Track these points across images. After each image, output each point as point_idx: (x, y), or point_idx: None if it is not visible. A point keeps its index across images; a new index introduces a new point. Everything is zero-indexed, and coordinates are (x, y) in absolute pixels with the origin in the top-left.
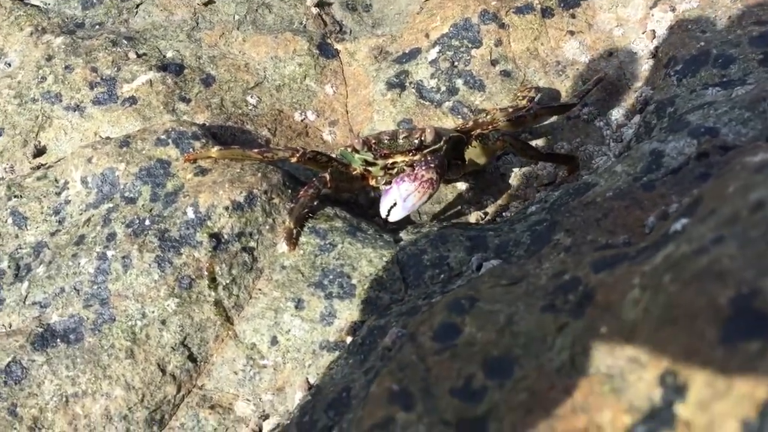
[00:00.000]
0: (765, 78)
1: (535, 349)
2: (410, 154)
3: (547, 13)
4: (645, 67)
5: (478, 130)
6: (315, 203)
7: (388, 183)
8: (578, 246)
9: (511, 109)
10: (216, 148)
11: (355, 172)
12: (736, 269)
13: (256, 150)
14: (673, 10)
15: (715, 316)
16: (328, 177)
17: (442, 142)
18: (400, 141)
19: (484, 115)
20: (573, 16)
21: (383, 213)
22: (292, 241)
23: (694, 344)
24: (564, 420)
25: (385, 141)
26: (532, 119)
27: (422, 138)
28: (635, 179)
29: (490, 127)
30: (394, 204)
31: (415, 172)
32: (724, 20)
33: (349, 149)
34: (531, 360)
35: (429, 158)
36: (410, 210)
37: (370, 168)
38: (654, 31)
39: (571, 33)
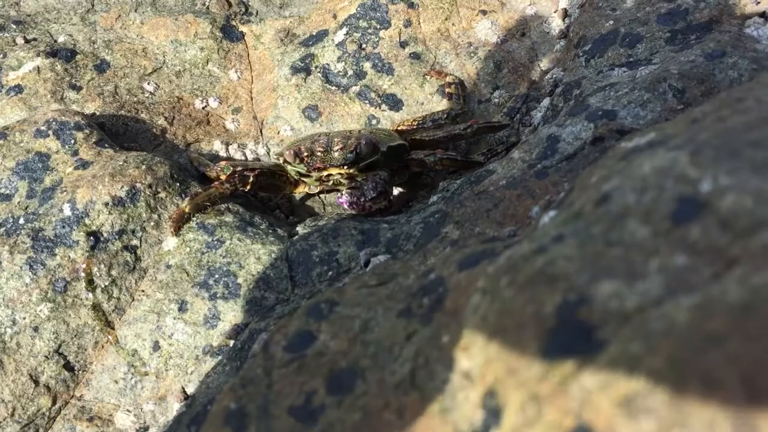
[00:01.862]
0: (670, 57)
1: (381, 360)
2: (346, 167)
3: None
4: (557, 47)
5: (415, 155)
6: (222, 200)
7: (325, 192)
8: (465, 239)
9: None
10: (186, 201)
11: (287, 176)
12: (569, 272)
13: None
14: None
15: (538, 327)
16: (251, 178)
17: (379, 155)
18: (335, 154)
19: (422, 121)
20: None
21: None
22: (180, 224)
23: (516, 360)
24: None
25: (318, 154)
26: (471, 137)
27: (358, 150)
28: (530, 166)
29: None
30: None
31: (362, 203)
32: None
33: (280, 159)
34: (375, 373)
35: (372, 183)
36: None
37: (304, 178)
38: (566, 9)
39: (484, 12)
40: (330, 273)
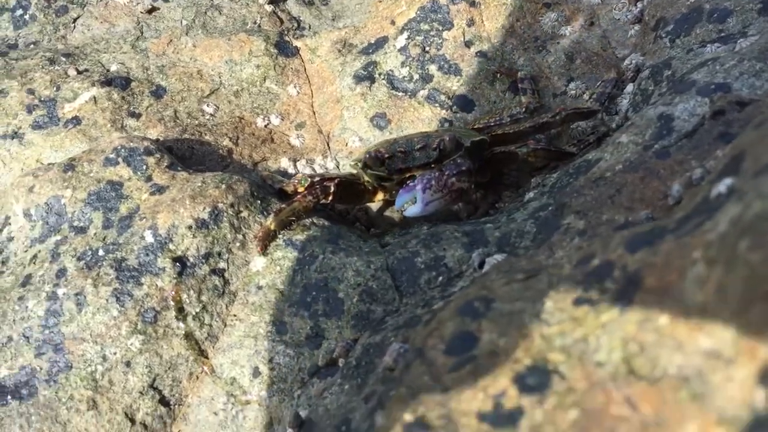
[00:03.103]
0: None
1: (576, 352)
2: (429, 166)
3: None
4: (631, 33)
5: (503, 148)
6: (306, 214)
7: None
8: (593, 228)
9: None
10: (270, 218)
11: (365, 185)
12: None
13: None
14: None
15: None
16: (332, 188)
17: (462, 150)
18: (417, 153)
19: (501, 115)
20: None
21: (397, 205)
22: (266, 243)
23: None
24: None
25: (400, 154)
26: (559, 125)
27: (441, 147)
28: (645, 148)
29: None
30: (413, 201)
31: (445, 179)
32: None
33: (360, 164)
34: (575, 367)
35: (459, 161)
36: (429, 213)
37: (384, 183)
38: None
39: (548, 5)
40: (440, 278)
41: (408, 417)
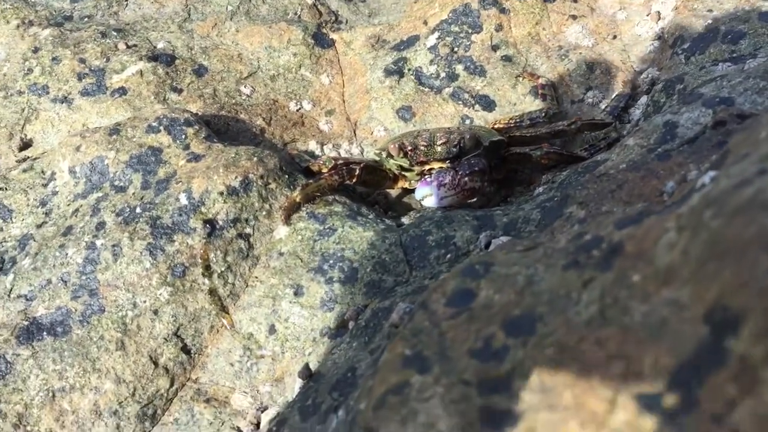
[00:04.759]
0: None
1: (560, 306)
2: (448, 161)
3: None
4: (650, 48)
5: (519, 149)
6: (330, 192)
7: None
8: (593, 217)
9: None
10: (297, 191)
11: (387, 172)
12: None
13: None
14: None
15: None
16: (357, 170)
17: (482, 149)
18: (438, 148)
19: (519, 120)
20: (575, 0)
21: (418, 196)
22: (290, 213)
23: (745, 275)
24: (598, 369)
25: (422, 148)
26: (573, 134)
27: (461, 145)
28: (649, 151)
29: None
30: (430, 194)
31: (458, 178)
32: None
33: (384, 154)
34: (556, 316)
35: (473, 161)
36: (444, 206)
37: (405, 173)
38: (659, 12)
39: (573, 17)
40: (448, 256)
41: (407, 351)
